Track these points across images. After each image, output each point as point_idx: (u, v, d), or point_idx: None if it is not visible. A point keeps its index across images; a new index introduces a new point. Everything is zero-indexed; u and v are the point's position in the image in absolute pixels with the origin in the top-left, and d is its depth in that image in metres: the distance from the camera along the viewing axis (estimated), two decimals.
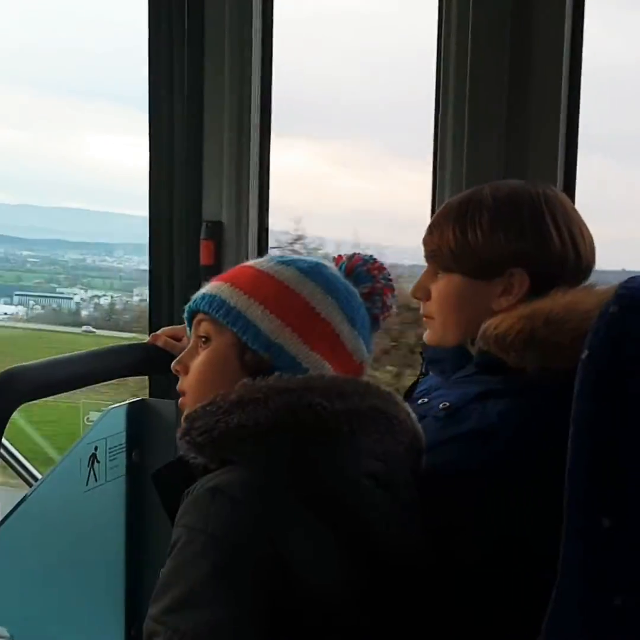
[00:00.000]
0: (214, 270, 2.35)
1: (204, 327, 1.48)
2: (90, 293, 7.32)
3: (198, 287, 2.34)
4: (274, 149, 2.39)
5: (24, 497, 1.90)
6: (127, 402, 2.24)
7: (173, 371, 1.52)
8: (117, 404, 2.22)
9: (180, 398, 1.51)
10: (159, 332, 2.20)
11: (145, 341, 2.22)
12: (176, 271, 2.37)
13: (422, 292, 1.70)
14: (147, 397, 2.33)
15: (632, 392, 1.21)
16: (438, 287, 1.67)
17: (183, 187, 2.35)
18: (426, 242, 1.69)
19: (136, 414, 2.24)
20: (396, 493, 1.40)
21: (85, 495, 2.07)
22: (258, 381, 1.36)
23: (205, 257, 2.36)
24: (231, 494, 1.27)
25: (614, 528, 1.20)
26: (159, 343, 2.17)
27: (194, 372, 1.48)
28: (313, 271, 1.48)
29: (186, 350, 1.51)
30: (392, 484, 1.39)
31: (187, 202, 2.35)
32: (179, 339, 2.18)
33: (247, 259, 2.33)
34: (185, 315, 1.55)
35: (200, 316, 1.49)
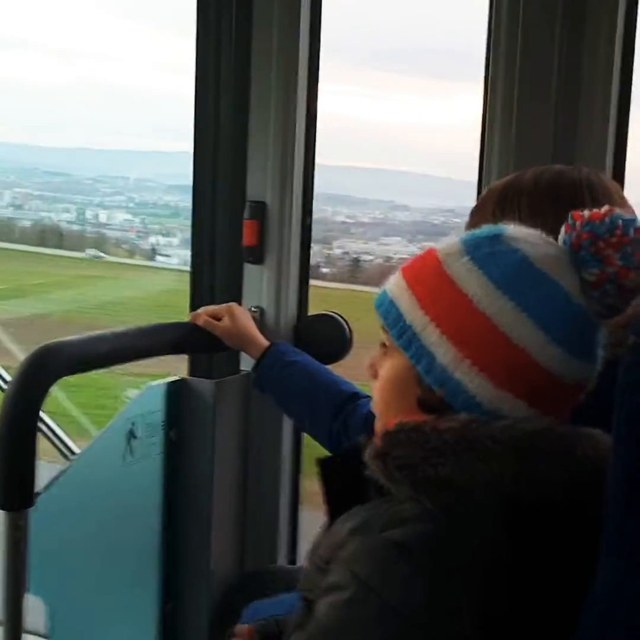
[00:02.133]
0: (256, 250, 2.35)
1: (384, 338, 1.28)
2: None
3: (240, 267, 2.37)
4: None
5: (62, 470, 1.92)
6: (166, 380, 2.25)
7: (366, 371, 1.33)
8: (156, 382, 2.23)
9: (372, 402, 1.33)
10: (199, 311, 2.22)
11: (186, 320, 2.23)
12: (218, 250, 2.37)
13: None
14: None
15: None
16: None
17: (228, 166, 2.34)
18: (467, 226, 1.67)
19: (175, 392, 2.25)
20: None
21: (122, 471, 2.09)
22: (479, 426, 1.15)
23: (247, 237, 2.35)
24: (418, 559, 1.10)
25: None
26: (200, 322, 2.18)
27: (379, 384, 1.29)
28: (509, 278, 1.18)
29: (375, 353, 1.31)
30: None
31: (231, 182, 2.35)
32: (219, 319, 2.19)
33: (289, 241, 2.35)
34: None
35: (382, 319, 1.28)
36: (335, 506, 1.29)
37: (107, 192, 7.92)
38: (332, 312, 2.39)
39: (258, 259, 2.36)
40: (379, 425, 1.29)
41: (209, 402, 2.25)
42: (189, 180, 2.36)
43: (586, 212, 1.22)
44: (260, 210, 2.34)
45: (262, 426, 2.40)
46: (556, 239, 1.48)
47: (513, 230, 1.25)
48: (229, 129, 2.33)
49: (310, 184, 2.40)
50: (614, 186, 1.64)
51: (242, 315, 2.20)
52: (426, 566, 1.10)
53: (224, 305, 2.23)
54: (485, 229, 1.26)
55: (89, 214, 7.97)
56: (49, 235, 8.46)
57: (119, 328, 2.04)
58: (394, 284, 1.26)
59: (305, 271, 2.41)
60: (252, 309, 2.35)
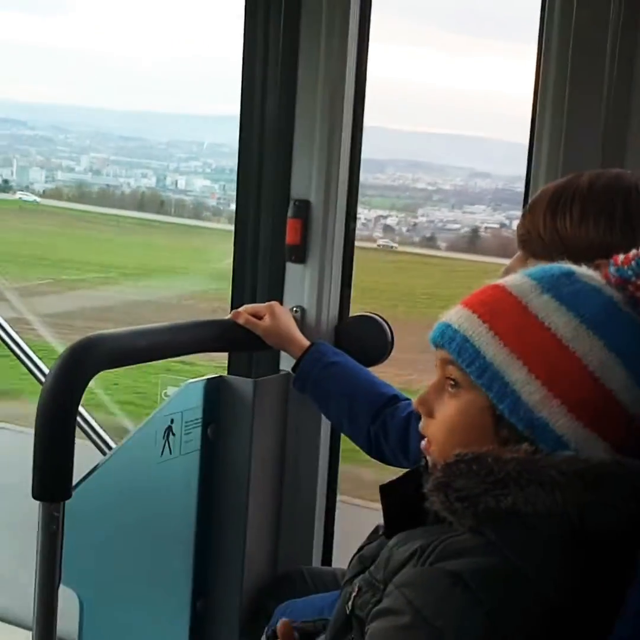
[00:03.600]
0: (299, 249, 2.34)
1: (453, 372, 1.20)
2: (373, 213, 6.89)
3: (282, 266, 2.36)
4: None
5: (98, 464, 1.92)
6: (205, 377, 2.25)
7: (415, 409, 1.28)
8: (195, 379, 2.22)
9: (424, 441, 1.27)
10: (240, 309, 2.21)
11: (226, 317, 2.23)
12: (261, 248, 2.36)
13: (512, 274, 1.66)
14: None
15: None
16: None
17: (272, 164, 2.33)
18: (519, 227, 1.65)
19: (214, 390, 2.25)
20: None
21: (159, 467, 2.09)
22: (543, 457, 1.12)
23: (291, 235, 2.34)
24: (476, 592, 1.07)
25: None
26: (240, 321, 2.17)
27: (441, 423, 1.23)
28: (601, 318, 1.15)
29: (431, 388, 1.24)
30: None
31: (275, 180, 2.34)
32: (260, 317, 2.18)
33: (333, 240, 2.34)
34: (431, 335, 1.25)
35: (446, 354, 1.21)
36: (393, 524, 1.27)
37: (182, 158, 7.89)
38: (374, 313, 2.37)
39: (301, 258, 2.35)
40: (436, 454, 1.24)
41: (248, 400, 2.25)
42: None
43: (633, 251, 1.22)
44: (304, 208, 2.33)
45: (300, 426, 2.39)
46: (605, 244, 1.48)
47: (581, 270, 1.24)
48: (274, 127, 2.33)
49: (355, 184, 2.38)
50: None
51: (283, 315, 2.19)
52: (484, 600, 1.07)
53: (266, 303, 2.22)
54: (549, 266, 1.25)
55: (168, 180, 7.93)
56: (149, 202, 8.34)
57: (160, 323, 2.04)
58: (463, 318, 1.20)
59: (348, 271, 2.39)
60: (294, 308, 2.34)
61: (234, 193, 2.38)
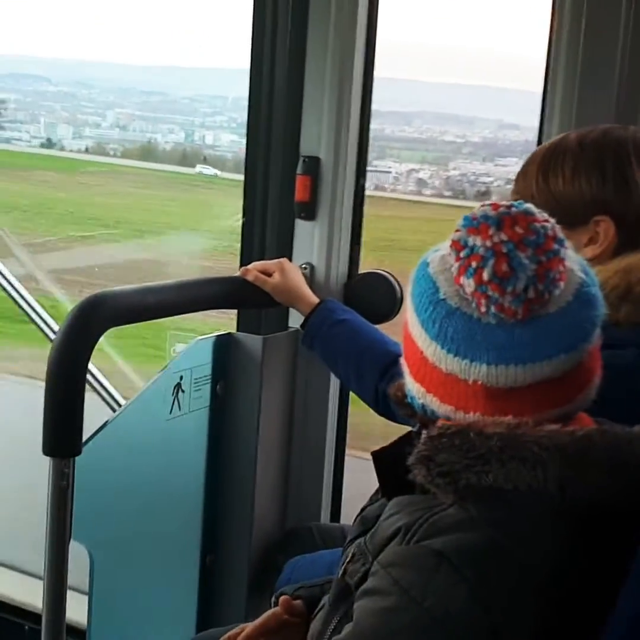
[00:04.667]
0: (309, 206, 2.33)
1: None
2: (404, 166, 6.49)
3: (291, 223, 2.35)
4: None
5: (107, 421, 1.93)
6: (215, 334, 2.24)
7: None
8: (204, 336, 2.22)
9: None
10: (249, 266, 2.20)
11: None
12: (270, 205, 2.34)
13: None
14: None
15: None
16: None
17: (281, 121, 2.31)
18: (513, 190, 1.65)
19: (223, 346, 2.25)
20: None
21: (168, 423, 2.10)
22: (526, 431, 1.12)
23: (300, 192, 2.32)
24: (460, 569, 1.09)
25: None
26: (250, 277, 2.17)
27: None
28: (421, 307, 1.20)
29: None
30: None
31: (285, 136, 2.31)
32: (269, 274, 2.17)
33: (343, 197, 2.32)
34: None
35: None
36: (389, 490, 1.29)
37: (207, 112, 7.81)
38: (383, 270, 2.36)
39: (310, 215, 2.33)
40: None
41: (257, 357, 2.25)
42: None
43: None
44: (314, 165, 2.31)
45: (309, 383, 2.39)
46: (599, 199, 1.52)
47: (433, 257, 1.22)
48: (283, 84, 2.29)
49: (365, 140, 2.35)
50: None
51: (292, 272, 2.18)
52: (469, 577, 1.09)
53: (275, 260, 2.21)
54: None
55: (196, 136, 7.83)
56: (191, 158, 8.25)
57: (169, 280, 2.04)
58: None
59: (358, 228, 2.37)
60: (303, 265, 2.33)
61: None
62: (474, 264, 1.12)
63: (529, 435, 1.12)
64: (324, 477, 2.44)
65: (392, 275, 2.34)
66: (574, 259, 1.17)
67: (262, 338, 2.26)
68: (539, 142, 2.09)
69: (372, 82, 2.33)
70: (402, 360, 1.26)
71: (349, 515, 2.47)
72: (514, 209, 1.14)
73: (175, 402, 2.10)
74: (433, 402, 1.19)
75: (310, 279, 2.31)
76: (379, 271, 2.36)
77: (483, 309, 1.12)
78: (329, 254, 2.33)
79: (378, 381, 2.05)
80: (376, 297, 2.33)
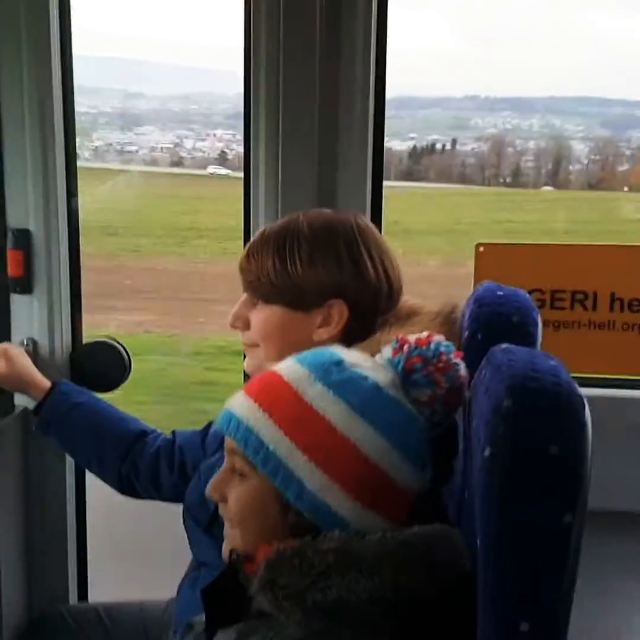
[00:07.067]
0: (24, 280, 2.24)
1: (239, 460, 1.23)
2: None
3: (7, 298, 2.23)
4: None
5: None
6: None
7: (208, 496, 1.28)
8: None
9: (226, 526, 1.29)
10: None
11: None
12: None
13: (241, 321, 1.69)
14: None
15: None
16: (258, 317, 1.66)
17: None
18: (244, 270, 1.66)
19: None
20: None
21: None
22: (357, 540, 1.14)
23: (12, 267, 2.23)
24: None
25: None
26: None
27: (234, 509, 1.25)
28: (365, 405, 1.20)
29: (220, 474, 1.27)
30: None
31: None
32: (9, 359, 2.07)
33: (59, 268, 2.24)
34: (217, 423, 1.27)
35: (233, 444, 1.24)
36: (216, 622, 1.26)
37: None
38: (109, 338, 2.32)
39: (26, 289, 2.24)
40: (238, 543, 1.25)
41: None
42: None
43: (411, 337, 1.28)
44: (24, 238, 2.22)
45: (43, 462, 2.30)
46: (336, 283, 1.60)
47: (349, 355, 1.27)
48: None
49: (75, 208, 2.29)
50: (375, 230, 1.69)
51: (19, 357, 2.09)
52: None
53: (13, 345, 2.11)
54: (320, 352, 1.28)
55: None
56: None
57: None
58: (245, 408, 1.23)
59: (78, 298, 2.31)
60: (24, 341, 2.24)
61: None
62: None
63: (361, 546, 1.15)
64: (68, 557, 2.36)
65: (119, 342, 2.31)
66: None
67: None
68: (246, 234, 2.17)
69: (75, 145, 2.27)
70: None
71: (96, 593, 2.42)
72: None
73: None
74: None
75: (34, 353, 2.23)
76: (104, 339, 2.31)
77: None
78: (51, 327, 2.25)
79: (121, 464, 2.03)
80: (104, 366, 2.30)
